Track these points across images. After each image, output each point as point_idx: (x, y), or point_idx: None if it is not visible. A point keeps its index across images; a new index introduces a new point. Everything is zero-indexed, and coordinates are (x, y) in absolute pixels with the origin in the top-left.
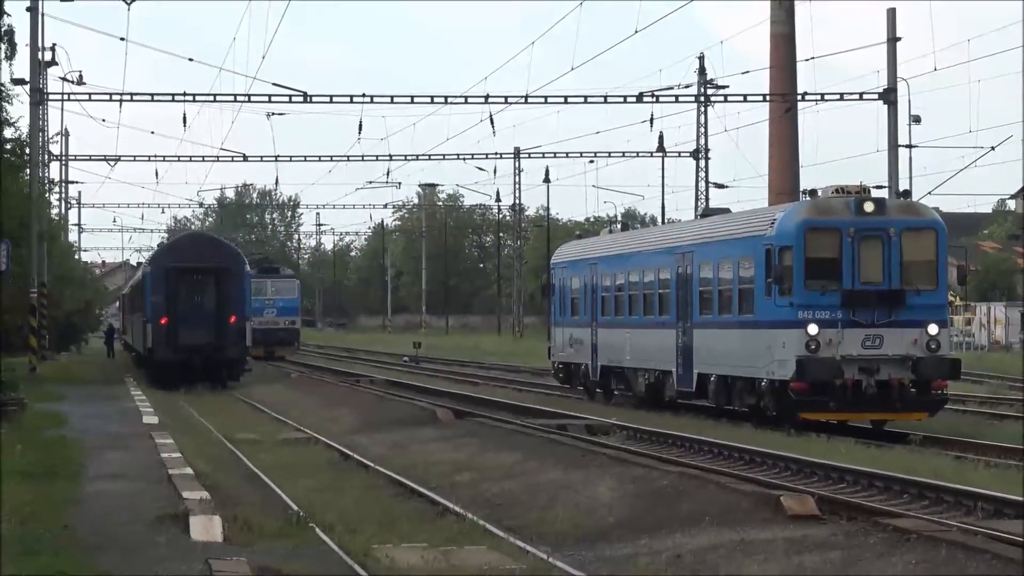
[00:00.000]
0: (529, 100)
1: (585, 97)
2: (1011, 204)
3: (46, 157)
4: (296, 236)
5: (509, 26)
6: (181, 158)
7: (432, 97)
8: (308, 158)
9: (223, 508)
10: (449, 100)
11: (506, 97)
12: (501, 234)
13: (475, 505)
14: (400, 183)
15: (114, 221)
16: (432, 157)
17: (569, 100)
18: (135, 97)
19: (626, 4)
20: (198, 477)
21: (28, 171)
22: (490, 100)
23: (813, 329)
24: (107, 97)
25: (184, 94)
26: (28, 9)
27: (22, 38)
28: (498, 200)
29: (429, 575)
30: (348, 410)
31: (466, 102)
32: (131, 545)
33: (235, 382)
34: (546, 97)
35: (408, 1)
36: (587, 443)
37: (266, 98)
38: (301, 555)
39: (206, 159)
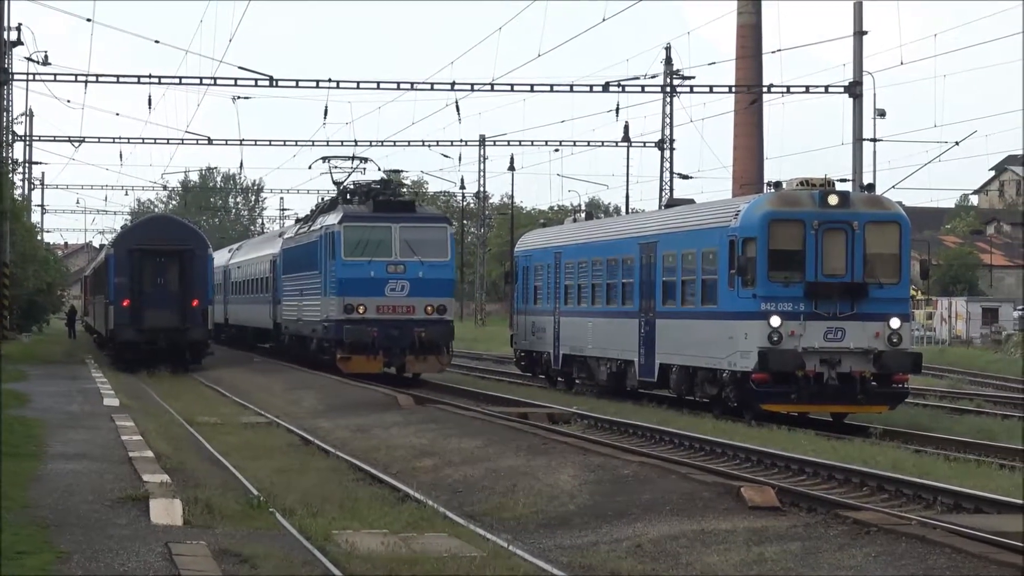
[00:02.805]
0: (495, 87)
1: (551, 86)
2: (974, 199)
3: (10, 137)
4: (260, 220)
5: (476, 11)
6: (146, 140)
7: (398, 83)
8: (273, 142)
9: (183, 491)
10: (415, 86)
11: (472, 84)
12: (465, 221)
13: (436, 491)
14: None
15: (77, 203)
16: (397, 143)
17: (535, 88)
18: (100, 79)
19: None
20: (159, 459)
21: None
22: (456, 87)
23: (776, 321)
24: (72, 78)
25: (150, 76)
26: None
27: None
28: (462, 187)
29: (389, 561)
30: (311, 394)
31: (432, 88)
32: (91, 526)
33: (197, 365)
34: (512, 85)
35: None
36: (548, 431)
37: (232, 82)
38: (261, 539)
39: (171, 142)
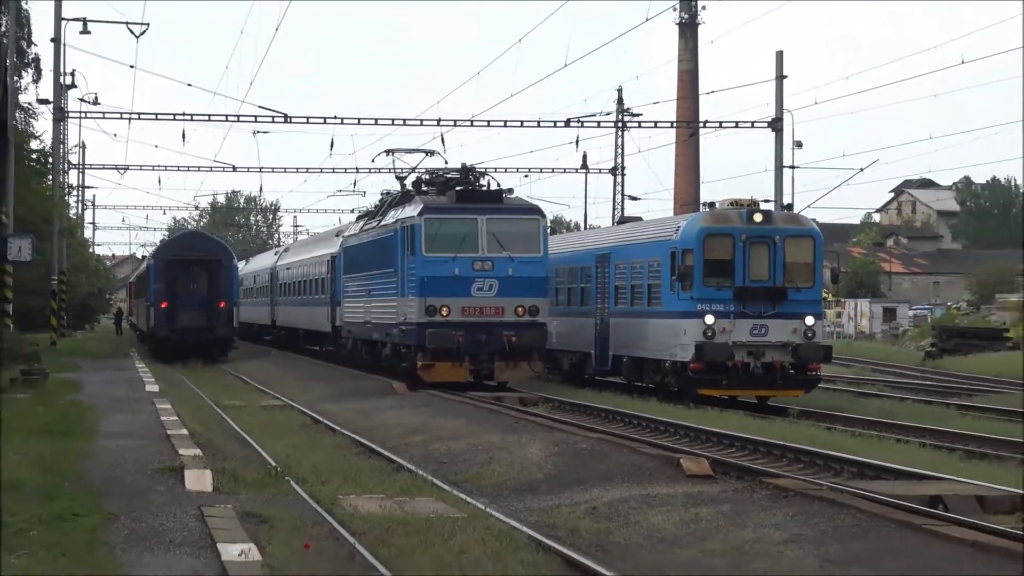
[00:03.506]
0: (474, 123)
1: (521, 121)
2: (876, 217)
3: (66, 165)
4: (276, 235)
5: (459, 58)
6: (180, 168)
7: (392, 119)
8: (287, 169)
9: (213, 463)
10: (407, 122)
11: (455, 120)
12: None
13: (425, 462)
14: (365, 192)
15: (123, 221)
16: (393, 170)
17: (508, 124)
18: (142, 116)
19: (557, 41)
20: (192, 436)
21: (51, 177)
22: (441, 123)
23: (710, 319)
24: (118, 116)
25: (184, 114)
26: (52, 40)
27: (47, 65)
28: None
29: (386, 521)
30: (320, 383)
31: (421, 124)
32: (135, 492)
33: (224, 358)
34: (488, 121)
35: (373, 38)
36: (520, 412)
37: (252, 118)
38: (278, 503)
39: (201, 169)
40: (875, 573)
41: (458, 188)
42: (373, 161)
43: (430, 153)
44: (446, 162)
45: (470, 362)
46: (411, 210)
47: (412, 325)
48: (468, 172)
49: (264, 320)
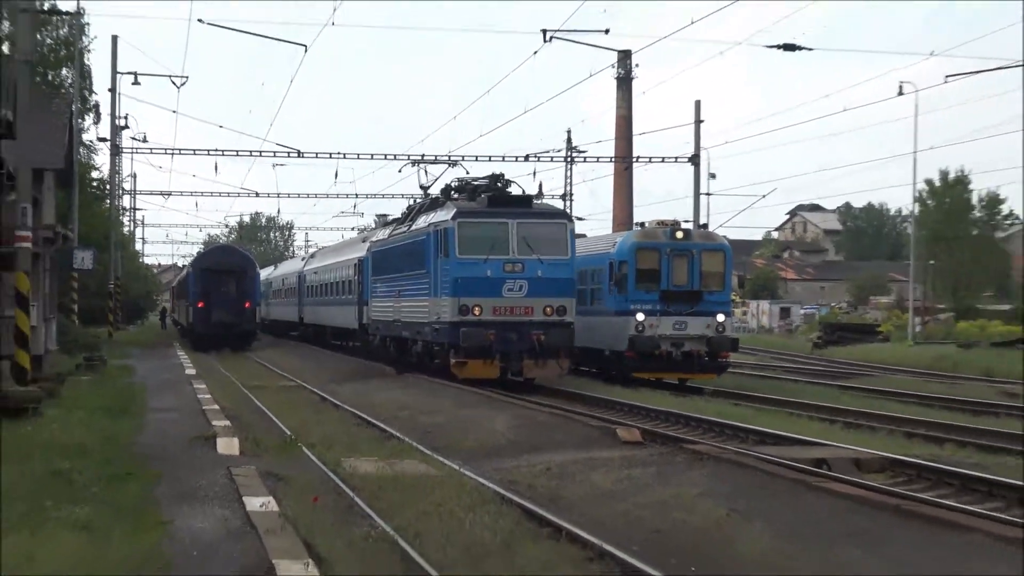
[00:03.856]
0: (451, 158)
1: (489, 156)
2: (775, 234)
3: (120, 192)
4: (291, 249)
5: (440, 104)
6: (213, 194)
7: (385, 155)
8: (300, 195)
9: (239, 432)
10: (396, 157)
11: (435, 156)
12: None
13: (411, 432)
14: (363, 213)
15: (166, 236)
16: (384, 196)
17: (478, 159)
18: (182, 152)
19: (520, 92)
20: (222, 411)
21: (108, 201)
22: (424, 157)
23: (640, 317)
24: (163, 151)
25: (216, 150)
26: (109, 90)
27: (104, 109)
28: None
29: (379, 479)
30: (328, 369)
31: (408, 159)
32: (177, 456)
33: (248, 347)
34: (463, 156)
35: (371, 88)
36: (489, 392)
37: (272, 154)
38: (293, 464)
39: (230, 195)
40: (771, 520)
41: (489, 193)
42: (400, 171)
43: (452, 164)
44: (467, 172)
45: (500, 360)
46: (444, 214)
47: (445, 324)
48: (497, 179)
49: (292, 318)
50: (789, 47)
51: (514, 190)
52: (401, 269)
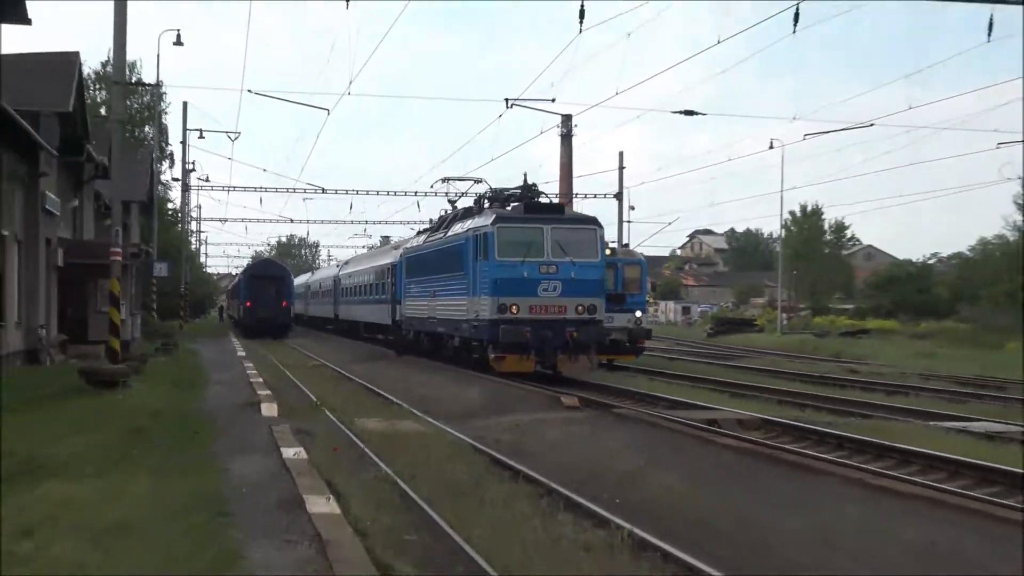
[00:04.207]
0: (437, 194)
1: (464, 193)
2: (679, 251)
3: (188, 218)
4: (317, 262)
5: (431, 151)
6: (259, 220)
7: (388, 191)
8: (324, 221)
9: (278, 399)
10: (395, 193)
11: (425, 192)
12: None
13: (408, 400)
14: (371, 235)
15: (223, 252)
16: (388, 222)
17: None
18: (235, 188)
19: (489, 143)
20: (265, 383)
21: (179, 225)
22: (417, 194)
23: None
24: (221, 188)
25: (261, 187)
26: (180, 142)
27: (177, 157)
28: None
29: (383, 434)
30: (345, 352)
31: (405, 194)
32: (231, 417)
33: (285, 337)
34: (447, 191)
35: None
36: (469, 372)
37: (303, 190)
38: (318, 423)
39: (272, 221)
40: (677, 466)
41: (524, 201)
42: (432, 187)
43: (478, 181)
44: (491, 188)
45: (535, 355)
46: (484, 220)
47: (484, 321)
48: (529, 188)
49: (329, 315)
50: (689, 112)
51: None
52: (437, 271)
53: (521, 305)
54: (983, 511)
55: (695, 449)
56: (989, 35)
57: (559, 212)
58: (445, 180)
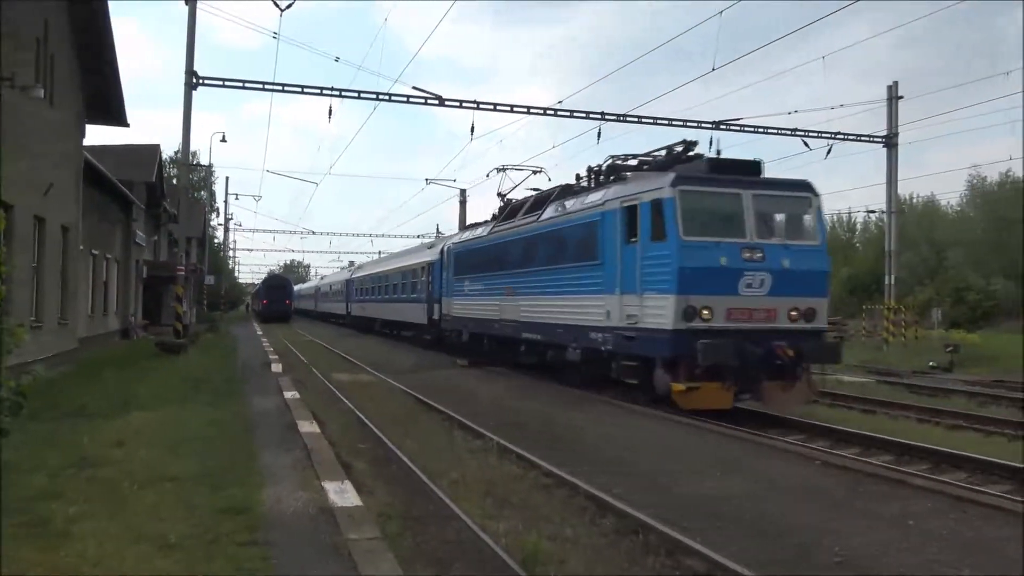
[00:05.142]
0: (532, 168)
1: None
2: None
3: (230, 248)
4: (309, 277)
5: (373, 217)
6: (274, 251)
7: (354, 233)
8: (315, 252)
9: (283, 361)
10: (359, 235)
11: (517, 165)
12: None
13: (364, 360)
14: (343, 260)
15: (250, 270)
16: (356, 252)
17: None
18: (258, 230)
19: (416, 207)
20: (275, 351)
21: (221, 253)
22: (372, 235)
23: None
24: (249, 230)
25: (274, 230)
26: (223, 201)
27: (221, 208)
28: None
29: (349, 383)
30: (331, 334)
31: (364, 235)
32: (254, 373)
33: (287, 323)
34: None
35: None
36: (405, 343)
37: (301, 233)
38: (308, 377)
39: (281, 251)
40: (537, 398)
41: (707, 160)
42: (488, 176)
43: (536, 170)
44: (550, 179)
45: (735, 382)
46: (650, 184)
47: (651, 331)
48: (689, 146)
49: (340, 312)
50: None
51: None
52: (521, 264)
53: (716, 308)
54: None
55: (549, 387)
56: None
57: (756, 173)
58: (501, 169)
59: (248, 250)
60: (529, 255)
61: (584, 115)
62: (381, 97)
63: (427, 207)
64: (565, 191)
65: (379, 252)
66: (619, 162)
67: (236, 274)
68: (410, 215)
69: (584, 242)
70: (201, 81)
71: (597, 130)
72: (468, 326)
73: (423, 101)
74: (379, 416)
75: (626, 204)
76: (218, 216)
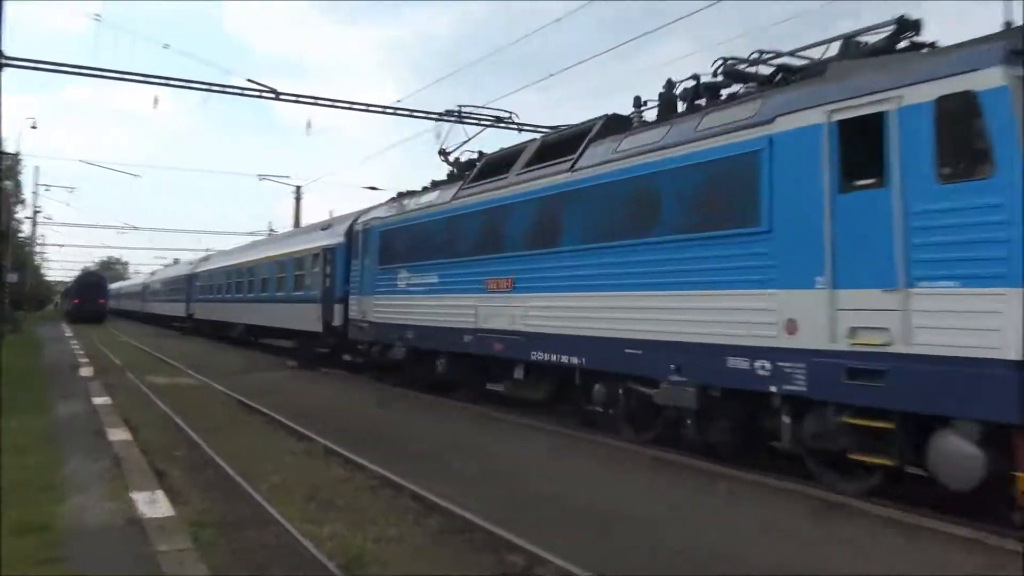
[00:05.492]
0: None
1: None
2: None
3: (36, 243)
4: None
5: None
6: (89, 246)
7: (174, 229)
8: (133, 248)
9: (93, 363)
10: (179, 231)
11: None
12: None
13: (184, 362)
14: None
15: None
16: (182, 249)
17: None
18: (73, 224)
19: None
20: (85, 352)
21: (26, 247)
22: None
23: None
24: (61, 224)
25: (90, 223)
26: (32, 192)
27: (30, 201)
28: None
29: (167, 386)
30: (141, 332)
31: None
32: (60, 374)
33: (102, 323)
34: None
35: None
36: (229, 345)
37: (118, 227)
38: (121, 379)
39: (97, 247)
40: (367, 396)
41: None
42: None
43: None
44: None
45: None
46: (936, 65)
47: (940, 363)
48: (907, 25)
49: (179, 313)
50: (372, 188)
51: None
52: (533, 242)
53: None
54: None
55: (379, 390)
56: None
57: None
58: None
59: (59, 245)
60: (553, 227)
61: (423, 115)
62: (213, 88)
63: (259, 205)
64: (612, 124)
65: (207, 249)
66: (741, 67)
67: (44, 271)
68: (241, 212)
69: (717, 195)
70: (7, 61)
71: (436, 131)
72: (407, 338)
73: (257, 94)
74: (199, 420)
75: (851, 115)
76: (24, 208)
